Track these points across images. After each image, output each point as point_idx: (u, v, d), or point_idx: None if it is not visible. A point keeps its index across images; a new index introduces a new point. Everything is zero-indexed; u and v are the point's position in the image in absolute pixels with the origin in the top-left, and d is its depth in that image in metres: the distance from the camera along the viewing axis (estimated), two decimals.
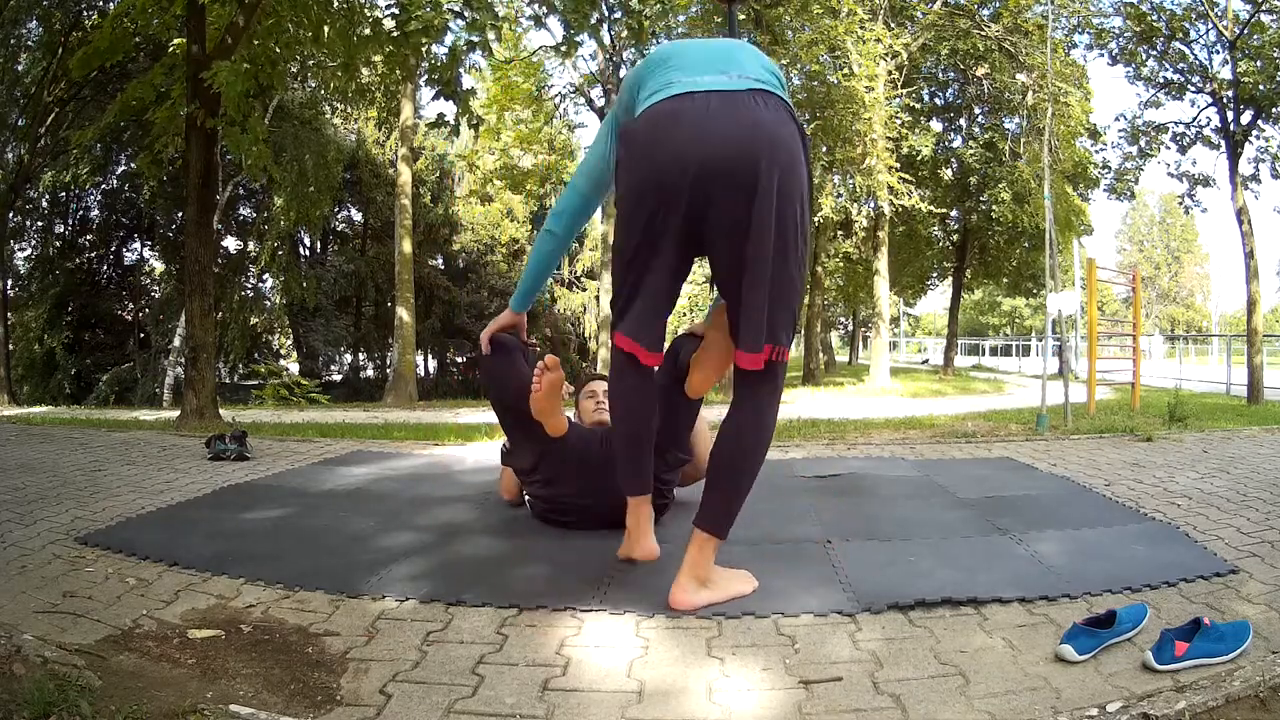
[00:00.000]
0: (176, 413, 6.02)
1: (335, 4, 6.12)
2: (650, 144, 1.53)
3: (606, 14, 10.36)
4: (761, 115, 1.51)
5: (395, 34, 5.26)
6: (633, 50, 13.05)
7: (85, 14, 12.01)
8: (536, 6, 8.52)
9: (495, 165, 14.66)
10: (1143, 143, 10.62)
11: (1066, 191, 14.39)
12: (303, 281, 16.93)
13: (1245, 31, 8.85)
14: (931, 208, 12.98)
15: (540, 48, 14.21)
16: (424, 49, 5.46)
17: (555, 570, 1.86)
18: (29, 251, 15.91)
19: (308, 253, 19.38)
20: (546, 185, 15.86)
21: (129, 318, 17.48)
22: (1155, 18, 9.46)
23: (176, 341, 13.82)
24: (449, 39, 5.64)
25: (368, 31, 5.69)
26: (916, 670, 1.35)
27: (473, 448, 3.89)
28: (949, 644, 1.44)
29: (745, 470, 1.65)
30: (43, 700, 1.13)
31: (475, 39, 5.34)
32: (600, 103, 14.04)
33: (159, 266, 17.78)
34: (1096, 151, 14.49)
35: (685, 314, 13.35)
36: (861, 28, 11.56)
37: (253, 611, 1.61)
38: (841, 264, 17.51)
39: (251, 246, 17.72)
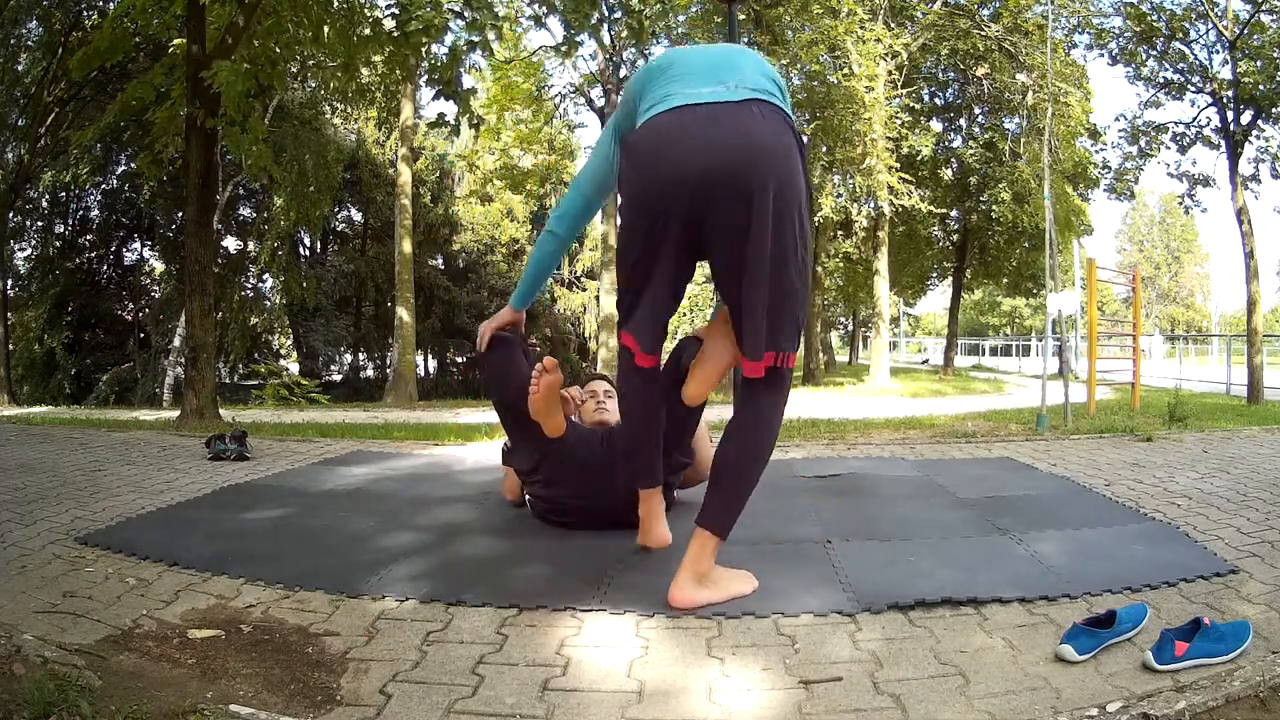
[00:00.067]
0: (176, 413, 6.02)
1: (335, 4, 6.12)
2: (650, 156, 1.57)
3: (606, 14, 10.36)
4: (758, 126, 1.54)
5: (395, 34, 5.27)
6: (633, 50, 13.06)
7: (85, 14, 12.01)
8: (537, 6, 8.53)
9: (495, 165, 14.66)
10: (1143, 143, 10.63)
11: (1066, 191, 14.39)
12: (303, 281, 16.93)
13: (1245, 31, 8.85)
14: (931, 208, 12.98)
15: (540, 48, 14.22)
16: (424, 49, 5.47)
17: (555, 570, 1.86)
18: (29, 251, 15.94)
19: (308, 253, 19.39)
20: (546, 185, 15.86)
21: (129, 318, 17.49)
22: (1155, 18, 9.46)
23: (176, 341, 13.82)
24: (449, 39, 5.65)
25: (368, 31, 5.70)
26: (916, 670, 1.35)
27: (473, 448, 3.89)
28: (949, 644, 1.44)
29: (747, 472, 1.66)
30: (43, 700, 1.13)
31: (475, 39, 5.34)
32: (600, 103, 14.04)
33: (159, 266, 17.81)
34: (1096, 151, 14.51)
35: (684, 314, 13.36)
36: (861, 28, 11.56)
37: (253, 611, 1.61)
38: (841, 264, 17.50)
39: (251, 246, 17.73)
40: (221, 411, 5.84)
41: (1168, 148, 10.40)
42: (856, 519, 2.29)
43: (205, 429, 4.65)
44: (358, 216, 20.46)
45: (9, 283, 14.48)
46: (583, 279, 20.01)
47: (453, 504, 2.53)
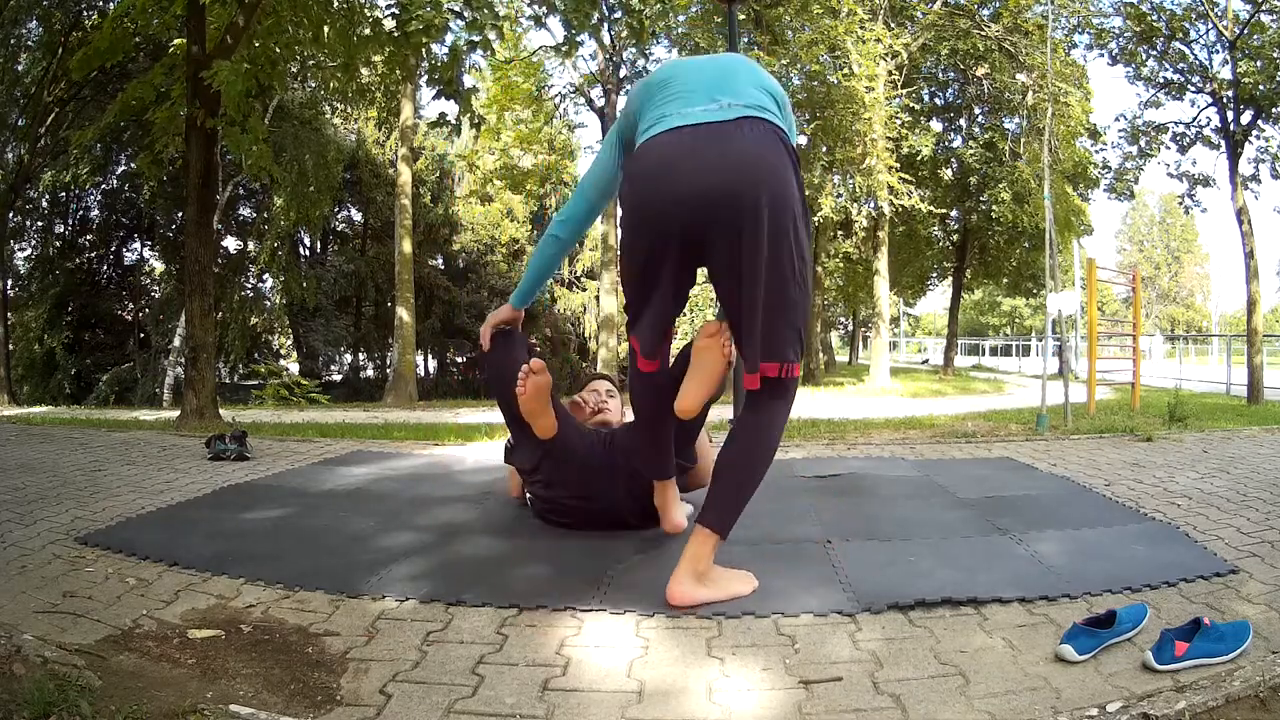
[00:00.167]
0: (176, 413, 6.02)
1: (335, 4, 6.12)
2: (646, 179, 1.63)
3: (606, 14, 10.36)
4: (749, 145, 1.57)
5: (395, 34, 5.27)
6: (633, 50, 13.07)
7: (85, 14, 12.02)
8: (537, 6, 8.52)
9: (495, 165, 14.67)
10: (1143, 143, 10.63)
11: (1066, 191, 14.39)
12: (303, 281, 16.93)
13: (1245, 31, 8.85)
14: (931, 208, 12.99)
15: (540, 48, 14.23)
16: (424, 49, 5.47)
17: (555, 570, 1.86)
18: (29, 251, 15.94)
19: (308, 253, 19.38)
20: (546, 185, 15.87)
21: (129, 318, 17.49)
22: (1155, 18, 9.46)
23: (176, 341, 13.82)
24: (449, 39, 5.64)
25: (368, 31, 5.70)
26: (916, 670, 1.35)
27: (473, 448, 3.89)
28: (949, 644, 1.44)
29: (749, 474, 1.68)
30: (43, 700, 1.13)
31: (475, 39, 5.34)
32: (600, 103, 14.04)
33: (159, 266, 17.81)
34: (1096, 151, 14.51)
35: (685, 314, 13.39)
36: (861, 28, 11.57)
37: (253, 611, 1.61)
38: (841, 264, 17.50)
39: (251, 246, 17.72)
40: (221, 411, 5.84)
41: (1168, 148, 10.41)
42: (856, 519, 2.29)
43: (205, 429, 4.65)
44: (358, 216, 20.46)
45: (9, 283, 14.49)
46: (583, 279, 20.01)
47: (453, 504, 2.53)
